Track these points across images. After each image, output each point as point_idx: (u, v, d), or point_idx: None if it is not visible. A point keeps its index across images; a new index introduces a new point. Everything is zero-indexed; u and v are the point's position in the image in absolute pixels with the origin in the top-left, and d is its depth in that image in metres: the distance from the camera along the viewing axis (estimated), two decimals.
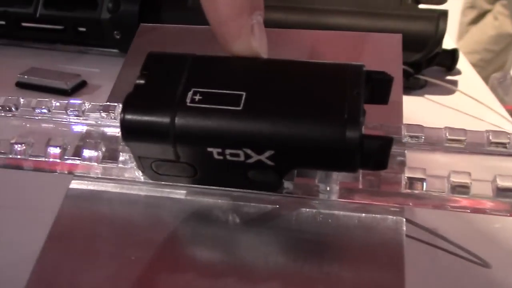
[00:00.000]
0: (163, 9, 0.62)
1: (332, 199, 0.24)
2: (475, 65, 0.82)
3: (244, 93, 0.21)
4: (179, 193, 0.25)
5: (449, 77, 0.61)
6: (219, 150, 0.21)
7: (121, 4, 0.61)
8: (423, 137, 0.24)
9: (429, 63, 0.58)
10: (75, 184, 0.26)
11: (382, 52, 0.31)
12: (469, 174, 0.22)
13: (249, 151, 0.21)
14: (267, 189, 0.24)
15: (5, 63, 0.66)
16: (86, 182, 0.26)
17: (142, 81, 0.22)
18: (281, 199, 0.25)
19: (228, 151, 0.21)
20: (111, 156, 0.26)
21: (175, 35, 0.34)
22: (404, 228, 0.23)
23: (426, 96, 0.57)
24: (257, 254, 0.23)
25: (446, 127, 0.24)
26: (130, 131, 0.22)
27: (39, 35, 0.68)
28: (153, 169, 0.23)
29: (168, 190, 0.25)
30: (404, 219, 0.24)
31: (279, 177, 0.22)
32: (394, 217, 0.24)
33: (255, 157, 0.21)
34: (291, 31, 0.34)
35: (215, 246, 0.24)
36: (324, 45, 0.32)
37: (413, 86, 0.57)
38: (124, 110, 0.22)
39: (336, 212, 0.24)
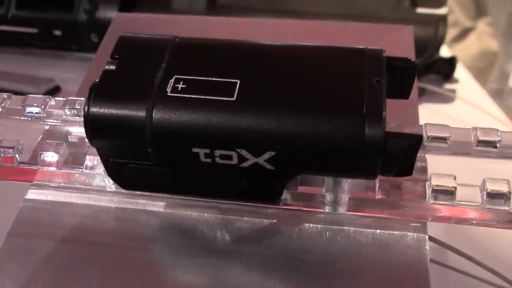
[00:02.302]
0: (144, 11, 0.58)
1: (340, 212, 0.20)
2: None
3: (238, 81, 0.17)
4: (157, 205, 0.21)
5: (447, 86, 0.58)
6: (207, 150, 0.17)
7: (99, 5, 0.57)
8: (450, 138, 0.20)
9: (427, 71, 0.55)
10: (32, 194, 0.22)
11: (393, 44, 0.28)
12: (508, 182, 0.19)
13: (244, 152, 0.17)
14: (264, 199, 0.20)
15: None
16: (45, 191, 0.22)
17: (112, 67, 0.18)
18: (279, 213, 0.21)
19: (218, 152, 0.17)
20: (75, 160, 0.21)
21: (154, 25, 0.31)
22: (428, 248, 0.20)
23: (424, 104, 0.54)
24: (251, 281, 0.19)
25: (474, 127, 0.20)
26: (96, 128, 0.18)
27: (11, 38, 0.64)
28: (126, 176, 0.19)
29: (144, 201, 0.21)
30: (427, 237, 0.20)
31: (280, 185, 0.18)
32: (415, 234, 0.20)
33: (251, 160, 0.17)
34: (295, 22, 0.30)
35: (200, 270, 0.20)
36: (330, 36, 0.29)
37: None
38: (88, 102, 0.17)
39: (346, 228, 0.20)
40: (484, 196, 0.19)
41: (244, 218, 0.21)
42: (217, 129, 0.17)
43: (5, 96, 0.23)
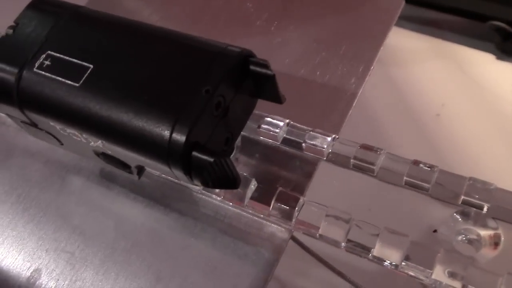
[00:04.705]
0: None
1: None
2: None
3: (91, 66, 0.18)
4: None
5: None
6: (60, 126, 0.18)
7: None
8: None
9: None
10: None
11: (376, 12, 0.24)
12: None
13: (83, 135, 0.18)
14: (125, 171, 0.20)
15: None
16: None
17: (10, 32, 0.20)
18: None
19: (67, 130, 0.18)
20: None
21: None
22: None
23: None
24: None
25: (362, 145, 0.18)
26: None
27: None
28: (25, 129, 0.21)
29: None
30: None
31: (128, 168, 0.19)
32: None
33: (94, 142, 0.18)
34: None
35: None
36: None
37: (510, 51, 0.46)
38: None
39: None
40: None
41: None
42: (60, 110, 0.18)
43: None
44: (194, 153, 0.16)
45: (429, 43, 0.47)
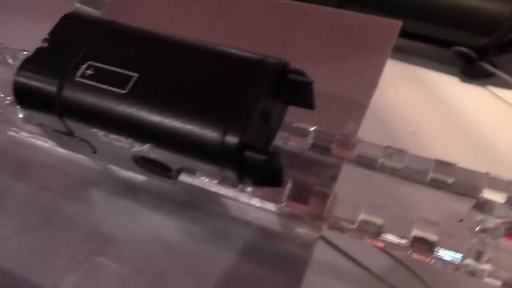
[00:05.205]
0: None
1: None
2: None
3: (136, 75, 0.18)
4: None
5: None
6: (103, 132, 0.19)
7: None
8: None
9: (500, 50, 0.50)
10: None
11: (376, 36, 0.26)
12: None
13: (129, 140, 0.18)
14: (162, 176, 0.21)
15: None
16: None
17: (45, 45, 0.20)
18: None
19: (111, 136, 0.19)
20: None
21: None
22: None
23: (489, 88, 0.49)
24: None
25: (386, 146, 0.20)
26: (20, 96, 0.20)
27: None
28: (55, 139, 0.21)
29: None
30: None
31: (169, 171, 0.20)
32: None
33: (137, 147, 0.18)
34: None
35: None
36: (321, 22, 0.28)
37: (473, 74, 0.49)
38: (17, 73, 0.20)
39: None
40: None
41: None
42: (107, 116, 0.18)
43: None
44: (247, 153, 0.17)
45: (400, 68, 0.51)
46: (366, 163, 0.21)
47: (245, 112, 0.17)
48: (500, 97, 0.48)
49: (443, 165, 0.20)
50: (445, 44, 0.50)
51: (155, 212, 0.22)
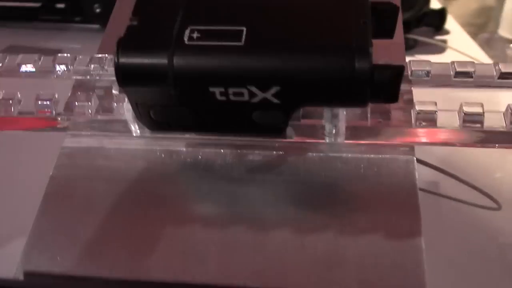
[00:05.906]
0: None
1: (339, 141, 0.23)
2: None
3: (244, 28, 0.20)
4: (179, 145, 0.24)
5: (438, 37, 0.60)
6: (222, 89, 0.20)
7: None
8: (430, 72, 0.23)
9: (418, 23, 0.57)
10: (69, 142, 0.25)
11: None
12: (482, 105, 0.22)
13: (253, 89, 0.20)
14: (273, 131, 0.23)
15: None
16: (79, 139, 0.25)
17: (134, 23, 0.21)
18: (286, 145, 0.24)
19: (231, 90, 0.20)
20: (104, 109, 0.24)
21: None
22: (416, 168, 0.23)
23: (417, 56, 0.56)
24: (264, 202, 0.22)
25: (453, 61, 0.23)
26: (126, 76, 0.20)
27: (14, 12, 0.65)
28: (152, 117, 0.22)
29: (167, 142, 0.24)
30: (415, 158, 0.23)
31: (285, 116, 0.21)
32: (405, 157, 0.23)
33: (260, 95, 0.20)
34: None
35: (221, 197, 0.23)
36: None
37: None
38: (118, 54, 0.20)
39: (344, 155, 0.23)
40: (462, 118, 0.22)
41: (256, 152, 0.24)
42: (229, 70, 0.20)
43: (36, 58, 0.26)
44: (376, 73, 0.19)
45: None
46: None
47: (363, 37, 0.19)
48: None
49: None
50: None
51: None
